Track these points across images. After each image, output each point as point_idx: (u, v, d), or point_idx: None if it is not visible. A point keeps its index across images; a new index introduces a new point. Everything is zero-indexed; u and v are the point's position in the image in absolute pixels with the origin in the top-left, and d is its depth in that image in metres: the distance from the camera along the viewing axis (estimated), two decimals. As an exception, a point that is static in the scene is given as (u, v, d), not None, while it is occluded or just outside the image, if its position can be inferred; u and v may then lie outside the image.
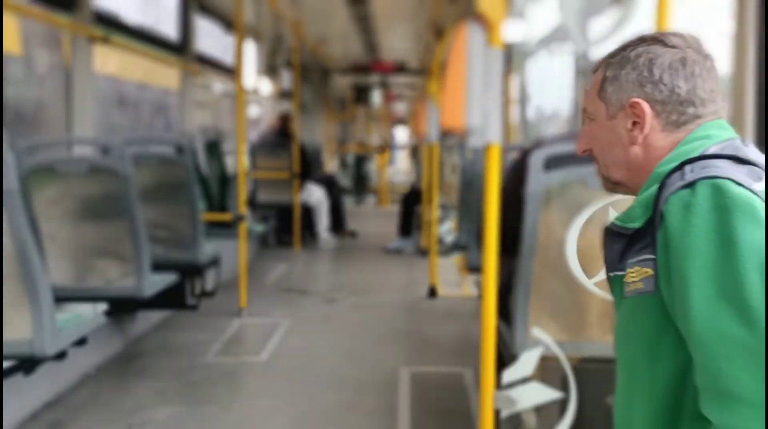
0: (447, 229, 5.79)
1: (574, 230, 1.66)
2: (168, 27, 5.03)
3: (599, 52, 2.02)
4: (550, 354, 1.73)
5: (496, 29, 1.52)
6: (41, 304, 2.08)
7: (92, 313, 2.71)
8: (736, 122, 1.53)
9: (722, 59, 1.62)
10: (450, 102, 1.49)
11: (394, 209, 7.19)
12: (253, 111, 8.34)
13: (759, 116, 1.48)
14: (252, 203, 6.33)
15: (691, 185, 0.84)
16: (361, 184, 11.86)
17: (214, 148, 5.48)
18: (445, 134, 6.11)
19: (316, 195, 6.75)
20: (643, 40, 0.96)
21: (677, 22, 1.41)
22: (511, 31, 1.52)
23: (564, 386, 1.70)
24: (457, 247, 4.37)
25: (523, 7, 1.52)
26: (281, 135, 6.59)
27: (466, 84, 1.49)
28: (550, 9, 1.49)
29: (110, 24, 3.95)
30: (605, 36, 1.50)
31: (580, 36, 1.49)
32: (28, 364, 2.25)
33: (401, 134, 17.80)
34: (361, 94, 11.58)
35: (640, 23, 1.47)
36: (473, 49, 1.49)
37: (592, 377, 1.89)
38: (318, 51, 8.65)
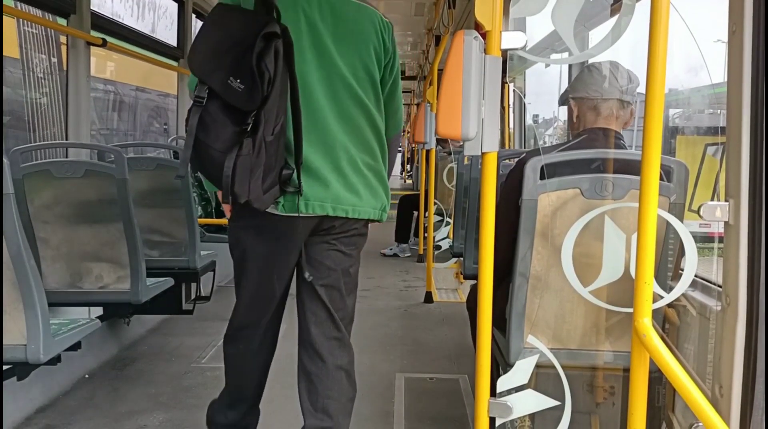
0: (443, 235, 5.78)
1: (570, 238, 1.66)
2: (166, 31, 5.03)
3: (597, 60, 2.02)
4: (546, 362, 1.73)
5: (494, 37, 1.52)
6: (36, 310, 2.07)
7: (87, 317, 2.71)
8: (732, 129, 1.53)
9: (718, 66, 1.62)
10: (445, 110, 1.48)
11: (391, 214, 7.20)
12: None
13: (754, 123, 1.48)
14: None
15: None
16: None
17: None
18: (442, 142, 6.12)
19: None
20: None
21: (673, 31, 1.41)
22: (509, 39, 1.52)
23: (559, 394, 1.69)
24: (453, 253, 4.37)
25: (521, 16, 1.52)
26: None
27: (462, 92, 1.49)
28: (548, 18, 1.49)
29: (108, 29, 3.94)
30: (602, 45, 1.50)
31: (575, 45, 1.49)
32: (21, 368, 2.25)
33: None
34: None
35: (636, 32, 1.47)
36: (470, 57, 1.48)
37: (588, 386, 1.88)
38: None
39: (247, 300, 2.07)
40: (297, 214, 1.85)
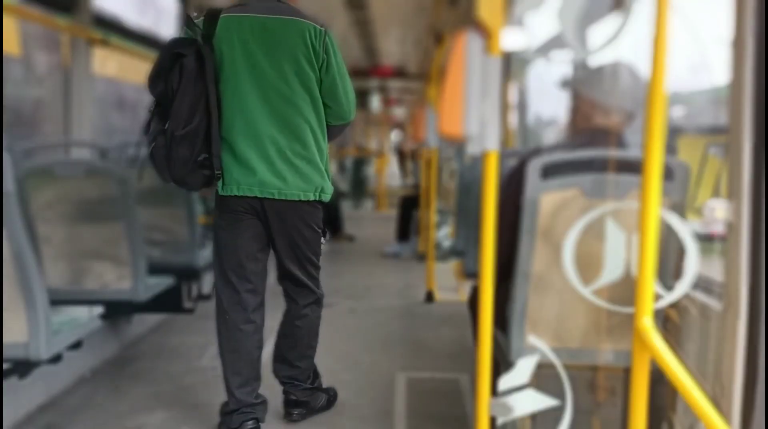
0: (444, 234, 5.79)
1: (571, 238, 1.66)
2: (167, 29, 5.03)
3: (597, 60, 2.02)
4: (547, 361, 1.73)
5: (495, 37, 1.52)
6: (37, 308, 2.08)
7: (88, 316, 2.71)
8: (734, 130, 1.54)
9: (721, 66, 1.62)
10: (447, 109, 1.48)
11: (392, 213, 7.20)
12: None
13: (757, 124, 1.48)
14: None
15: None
16: (360, 188, 11.86)
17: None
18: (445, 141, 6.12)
19: None
20: None
21: (675, 29, 1.41)
22: (511, 38, 1.52)
23: (560, 394, 1.69)
24: (454, 252, 4.37)
25: (523, 15, 1.51)
26: None
27: (464, 91, 1.49)
28: (550, 17, 1.49)
29: (109, 26, 3.95)
30: (603, 44, 1.50)
31: (579, 44, 1.49)
32: (23, 367, 2.25)
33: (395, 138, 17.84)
34: (359, 98, 11.58)
35: (638, 31, 1.47)
36: (472, 57, 1.48)
37: (589, 385, 1.88)
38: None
39: (219, 266, 2.53)
40: (232, 195, 2.38)
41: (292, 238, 2.47)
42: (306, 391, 2.67)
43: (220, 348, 2.57)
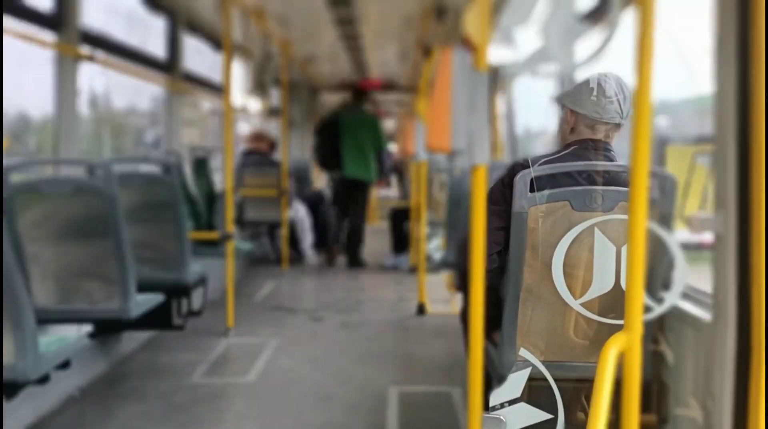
0: (435, 246, 5.77)
1: (560, 251, 1.66)
2: (156, 45, 5.03)
3: (583, 74, 2.03)
4: (538, 374, 1.72)
5: (482, 52, 1.52)
6: (24, 328, 2.05)
7: (76, 335, 2.68)
8: (720, 141, 1.55)
9: (704, 77, 1.63)
10: (435, 123, 1.49)
11: (382, 225, 7.23)
12: (242, 128, 8.34)
13: (741, 135, 1.49)
14: (239, 221, 6.31)
15: None
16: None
17: (201, 165, 5.46)
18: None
19: (300, 211, 6.75)
20: None
21: (658, 42, 1.42)
22: (497, 53, 1.53)
23: (552, 407, 1.69)
24: (445, 264, 4.37)
25: (509, 29, 1.52)
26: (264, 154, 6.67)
27: (451, 106, 1.49)
28: (537, 31, 1.49)
29: (97, 43, 3.94)
30: (589, 58, 1.51)
31: (564, 59, 1.50)
32: (10, 388, 2.22)
33: None
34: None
35: (622, 45, 1.48)
36: (458, 72, 1.49)
37: (580, 398, 1.88)
38: (306, 69, 8.68)
39: (335, 201, 6.89)
40: (343, 176, 6.67)
41: (358, 194, 6.62)
42: (359, 251, 6.65)
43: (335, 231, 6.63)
